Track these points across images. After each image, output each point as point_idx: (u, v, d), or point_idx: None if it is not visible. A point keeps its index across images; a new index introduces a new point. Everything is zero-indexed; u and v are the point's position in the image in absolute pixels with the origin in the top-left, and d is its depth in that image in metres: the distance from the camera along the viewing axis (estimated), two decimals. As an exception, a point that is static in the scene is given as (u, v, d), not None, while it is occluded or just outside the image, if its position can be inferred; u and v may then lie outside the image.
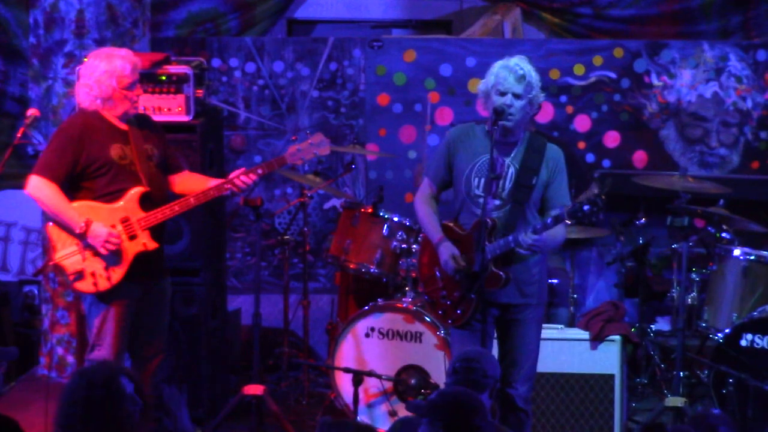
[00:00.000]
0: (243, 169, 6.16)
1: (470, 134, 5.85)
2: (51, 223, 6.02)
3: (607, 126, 8.77)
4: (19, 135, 6.17)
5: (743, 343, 6.90)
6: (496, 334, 5.91)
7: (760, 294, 7.18)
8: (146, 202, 6.01)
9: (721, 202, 7.65)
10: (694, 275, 7.71)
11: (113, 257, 5.94)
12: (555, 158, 5.80)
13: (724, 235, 7.67)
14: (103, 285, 5.95)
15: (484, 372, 5.09)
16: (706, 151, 8.78)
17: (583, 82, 8.74)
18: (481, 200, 5.68)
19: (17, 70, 9.05)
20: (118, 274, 5.95)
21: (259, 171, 6.17)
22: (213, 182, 6.19)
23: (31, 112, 6.21)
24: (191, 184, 6.24)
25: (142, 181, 6.02)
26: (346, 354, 7.13)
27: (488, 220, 5.65)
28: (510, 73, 5.66)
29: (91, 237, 5.90)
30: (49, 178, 5.92)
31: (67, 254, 5.95)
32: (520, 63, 5.71)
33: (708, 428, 4.42)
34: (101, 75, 5.99)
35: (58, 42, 7.84)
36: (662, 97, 8.75)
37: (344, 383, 7.04)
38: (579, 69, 8.74)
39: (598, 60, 8.72)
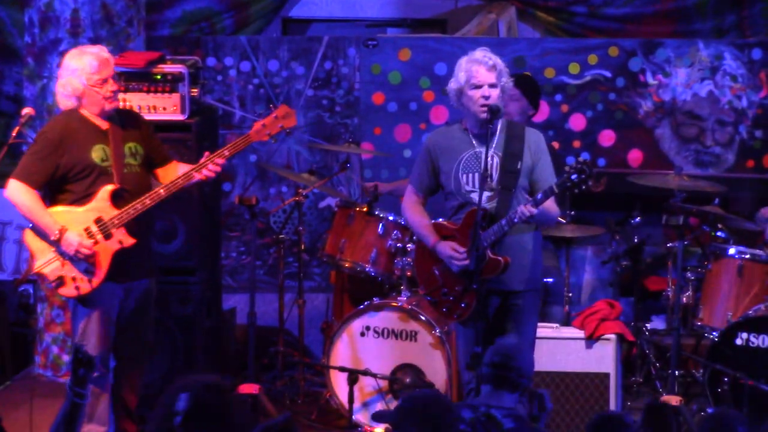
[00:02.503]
0: (207, 154, 6.10)
1: (447, 135, 5.97)
2: (27, 230, 5.99)
3: (603, 125, 8.76)
4: (14, 134, 6.16)
5: (738, 341, 6.91)
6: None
7: (755, 293, 7.18)
8: (119, 200, 5.93)
9: (717, 200, 7.66)
10: (689, 274, 7.71)
11: (91, 260, 5.90)
12: (536, 141, 5.92)
13: (719, 233, 7.67)
14: (85, 288, 5.90)
15: (519, 371, 5.03)
16: (702, 149, 8.78)
17: (578, 81, 8.73)
18: (473, 195, 5.78)
19: (12, 68, 9.04)
20: (98, 276, 5.90)
21: (226, 153, 6.10)
22: (182, 170, 6.14)
23: (26, 111, 6.18)
24: (177, 174, 6.17)
25: (114, 178, 5.98)
26: (342, 353, 7.12)
27: (480, 210, 5.71)
28: (480, 66, 5.79)
29: (64, 245, 5.86)
30: (28, 184, 5.88)
31: (46, 262, 5.92)
32: (486, 54, 5.84)
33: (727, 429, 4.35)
34: (71, 74, 5.95)
35: (53, 41, 7.83)
36: (657, 96, 8.75)
37: (339, 382, 7.03)
38: (574, 68, 8.73)
39: (593, 59, 8.71)
